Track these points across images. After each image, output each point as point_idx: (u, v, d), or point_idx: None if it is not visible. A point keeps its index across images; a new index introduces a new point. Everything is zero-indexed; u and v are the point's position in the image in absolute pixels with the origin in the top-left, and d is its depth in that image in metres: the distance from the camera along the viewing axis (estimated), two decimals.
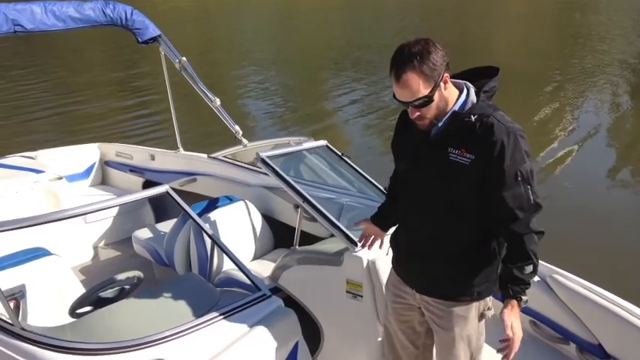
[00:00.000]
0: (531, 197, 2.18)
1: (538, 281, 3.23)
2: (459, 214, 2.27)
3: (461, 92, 2.27)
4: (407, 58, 2.12)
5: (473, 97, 2.25)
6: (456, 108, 2.24)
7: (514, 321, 2.21)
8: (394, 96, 2.21)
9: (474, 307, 2.42)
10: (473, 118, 2.18)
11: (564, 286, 3.11)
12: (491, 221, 2.26)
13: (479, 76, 2.33)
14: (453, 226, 2.30)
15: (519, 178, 2.15)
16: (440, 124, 2.26)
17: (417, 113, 2.20)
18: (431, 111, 2.20)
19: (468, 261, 2.34)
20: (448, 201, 2.27)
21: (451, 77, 2.24)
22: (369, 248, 2.87)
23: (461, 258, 2.33)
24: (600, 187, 8.22)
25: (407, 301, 2.56)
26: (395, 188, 2.66)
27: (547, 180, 8.19)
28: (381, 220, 2.79)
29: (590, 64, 17.37)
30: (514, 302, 2.22)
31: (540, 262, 3.25)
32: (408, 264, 2.47)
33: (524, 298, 2.23)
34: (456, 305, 2.40)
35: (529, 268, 2.21)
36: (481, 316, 2.46)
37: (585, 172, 8.82)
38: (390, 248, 2.65)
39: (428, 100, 2.16)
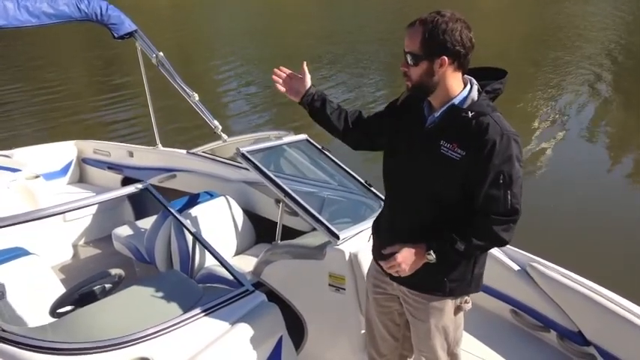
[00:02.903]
0: (509, 202, 2.17)
1: (518, 270, 3.27)
2: (440, 207, 2.28)
3: (465, 87, 2.27)
4: (428, 17, 2.18)
5: (474, 94, 2.25)
6: (456, 102, 2.25)
7: (407, 253, 2.28)
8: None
9: (449, 301, 2.42)
10: (470, 115, 2.19)
11: (544, 274, 3.15)
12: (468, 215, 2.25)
13: (487, 76, 2.35)
14: (431, 217, 2.30)
15: (501, 181, 2.15)
16: (436, 115, 2.29)
17: (403, 67, 2.25)
18: (414, 75, 2.22)
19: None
20: (430, 193, 2.28)
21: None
22: (283, 86, 2.76)
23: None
24: (585, 180, 8.29)
25: (386, 291, 2.58)
26: (363, 120, 2.67)
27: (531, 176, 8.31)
28: (318, 97, 2.71)
29: (571, 57, 17.55)
30: (424, 247, 2.27)
31: (519, 251, 3.33)
32: (388, 255, 2.43)
33: (431, 256, 2.26)
34: (432, 298, 2.41)
35: (460, 246, 2.21)
36: (457, 309, 2.46)
37: (572, 166, 8.92)
38: (372, 235, 2.67)
39: (414, 59, 2.19)
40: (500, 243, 2.26)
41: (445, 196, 2.26)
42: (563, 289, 3.08)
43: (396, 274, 2.33)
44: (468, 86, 2.27)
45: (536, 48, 19.05)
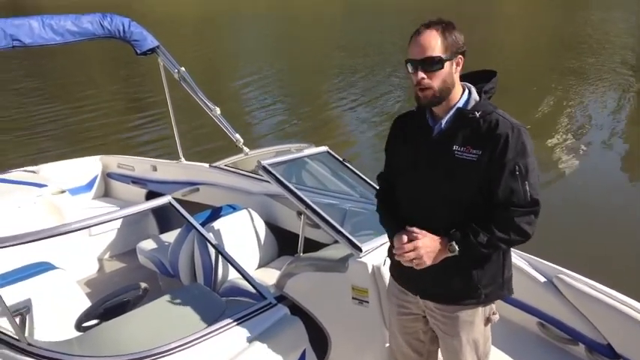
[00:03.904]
0: (528, 193, 2.18)
1: (544, 282, 3.22)
2: (466, 213, 2.25)
3: (464, 91, 2.31)
4: (433, 21, 2.21)
5: (475, 96, 2.30)
6: (460, 105, 2.28)
7: (429, 240, 2.22)
8: (407, 62, 2.23)
9: (480, 312, 2.39)
10: (477, 114, 2.23)
11: (571, 286, 3.10)
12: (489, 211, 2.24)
13: (477, 79, 2.37)
14: (459, 225, 2.27)
15: (517, 172, 2.17)
16: (443, 122, 2.29)
17: (424, 77, 2.19)
18: (437, 81, 2.20)
19: (475, 262, 2.31)
20: (455, 200, 2.26)
21: None
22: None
23: (467, 259, 2.28)
24: (606, 185, 8.19)
25: (411, 311, 2.53)
26: (389, 191, 2.59)
27: (553, 180, 8.21)
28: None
29: (593, 63, 17.36)
30: (445, 240, 2.23)
31: (545, 262, 3.28)
32: (411, 270, 2.35)
33: (454, 248, 2.21)
34: (462, 310, 2.37)
35: (483, 238, 2.19)
36: (487, 320, 2.43)
37: (594, 171, 8.82)
38: (388, 257, 2.63)
39: (439, 62, 2.17)
40: (523, 235, 2.22)
41: (467, 200, 2.25)
42: (591, 301, 3.02)
43: (414, 264, 2.24)
44: (466, 89, 2.31)
45: (559, 54, 18.88)
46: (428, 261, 2.23)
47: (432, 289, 2.38)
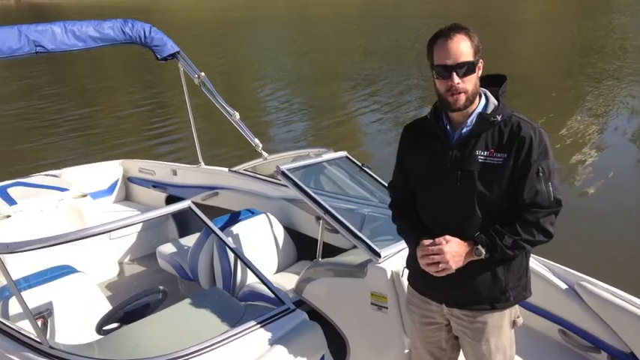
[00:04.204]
0: (551, 194, 2.21)
1: (566, 289, 3.18)
2: (491, 216, 2.25)
3: (481, 96, 2.31)
4: (458, 26, 2.22)
5: (493, 100, 2.31)
6: (480, 109, 2.29)
7: (455, 244, 2.21)
8: (434, 66, 2.22)
9: (507, 315, 2.38)
10: (499, 118, 2.24)
11: (593, 293, 3.05)
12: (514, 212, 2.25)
13: (485, 83, 2.36)
14: (485, 228, 2.26)
15: (541, 174, 2.19)
16: (465, 128, 2.28)
17: (459, 81, 2.19)
18: (469, 85, 2.21)
19: (501, 264, 2.30)
20: (482, 205, 2.25)
21: None
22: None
23: (494, 261, 2.28)
24: (629, 191, 8.08)
25: (434, 320, 2.51)
26: (406, 200, 2.55)
27: (574, 185, 8.12)
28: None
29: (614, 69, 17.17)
30: (471, 244, 2.23)
31: (567, 269, 3.24)
32: (436, 278, 2.32)
33: (480, 251, 2.21)
34: (490, 315, 2.36)
35: (508, 240, 2.20)
36: (513, 323, 2.43)
37: (616, 175, 8.70)
38: (406, 268, 2.61)
39: (472, 67, 2.19)
40: (548, 235, 2.24)
41: (494, 204, 2.24)
42: (613, 309, 2.97)
43: (439, 270, 2.23)
44: (483, 95, 2.32)
45: (582, 59, 18.69)
46: (454, 266, 2.22)
47: (459, 296, 2.36)
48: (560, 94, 13.96)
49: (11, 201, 4.72)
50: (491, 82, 2.37)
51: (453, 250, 2.21)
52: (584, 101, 13.40)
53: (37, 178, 5.40)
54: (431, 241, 2.25)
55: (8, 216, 4.58)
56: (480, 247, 2.21)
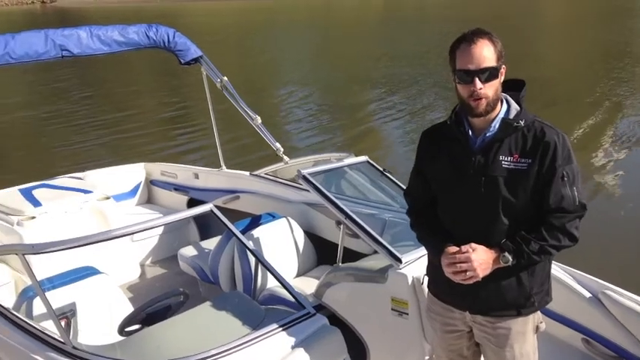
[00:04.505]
0: (576, 198, 2.21)
1: (589, 297, 3.14)
2: (515, 222, 2.24)
3: (501, 102, 2.30)
4: (481, 30, 2.22)
5: (515, 105, 2.30)
6: (502, 115, 2.28)
7: (482, 252, 2.20)
8: (456, 70, 2.22)
9: (531, 321, 2.37)
10: (522, 123, 2.24)
11: (617, 302, 3.01)
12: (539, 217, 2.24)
13: (508, 88, 2.35)
14: (509, 234, 2.25)
15: (566, 178, 2.19)
16: (488, 133, 2.27)
17: (482, 87, 2.18)
18: (492, 90, 2.21)
19: (525, 269, 2.29)
20: (506, 209, 2.23)
21: None
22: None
23: (519, 267, 2.26)
24: None
25: (456, 328, 2.49)
26: (426, 207, 2.52)
27: (597, 193, 8.01)
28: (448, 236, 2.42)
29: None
30: (497, 250, 2.21)
31: (591, 277, 3.20)
32: (459, 285, 2.29)
33: (507, 258, 2.20)
34: (513, 321, 2.34)
35: (534, 246, 2.19)
36: (536, 329, 2.42)
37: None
38: (426, 276, 2.60)
39: (495, 72, 2.19)
40: (573, 239, 2.24)
41: (520, 210, 2.23)
42: (637, 318, 2.92)
43: (465, 278, 2.21)
44: (503, 99, 2.31)
45: (606, 64, 18.45)
46: (481, 274, 2.20)
47: (484, 303, 2.34)
48: (589, 99, 13.78)
49: (36, 202, 4.80)
50: (511, 86, 2.36)
51: (480, 258, 2.20)
52: (614, 105, 13.21)
53: (61, 180, 5.48)
54: (457, 249, 2.24)
55: (33, 217, 4.66)
56: (506, 254, 2.20)
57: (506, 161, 2.22)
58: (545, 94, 13.04)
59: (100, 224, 4.84)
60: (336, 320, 3.12)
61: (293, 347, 2.71)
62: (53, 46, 4.42)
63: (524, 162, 2.20)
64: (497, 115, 2.27)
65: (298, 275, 4.21)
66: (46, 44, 4.39)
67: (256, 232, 4.07)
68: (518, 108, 2.29)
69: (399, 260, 2.97)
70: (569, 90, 14.65)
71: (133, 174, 5.97)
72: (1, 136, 12.54)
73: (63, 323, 3.02)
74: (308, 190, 3.59)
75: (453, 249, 2.24)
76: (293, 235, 4.24)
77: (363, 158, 4.06)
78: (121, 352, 2.71)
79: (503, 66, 2.23)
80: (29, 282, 3.36)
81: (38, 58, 4.41)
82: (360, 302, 3.15)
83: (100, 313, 3.31)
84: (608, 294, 3.06)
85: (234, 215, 4.55)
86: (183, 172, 5.78)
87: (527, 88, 2.39)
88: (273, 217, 4.30)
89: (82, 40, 4.57)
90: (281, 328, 2.80)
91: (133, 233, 3.57)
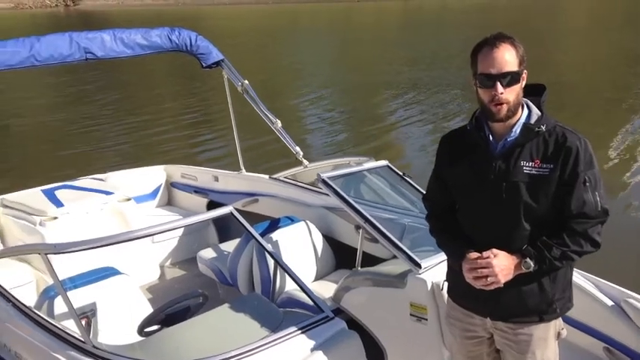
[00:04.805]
0: (599, 203, 2.20)
1: (612, 306, 3.10)
2: (537, 227, 2.23)
3: (522, 107, 2.29)
4: (503, 35, 2.21)
5: (536, 110, 2.29)
6: (523, 120, 2.27)
7: (503, 258, 2.18)
8: (477, 74, 2.21)
9: (552, 327, 2.36)
10: (543, 128, 2.23)
11: None
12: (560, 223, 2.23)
13: (528, 93, 2.34)
14: (531, 240, 2.23)
15: (588, 184, 2.18)
16: (509, 138, 2.26)
17: (503, 91, 2.17)
18: (513, 95, 2.20)
19: (547, 275, 2.27)
20: (527, 215, 2.22)
21: None
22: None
23: (540, 273, 2.25)
24: None
25: (476, 334, 2.47)
26: (445, 212, 2.52)
27: (619, 198, 7.91)
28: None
29: None
30: (519, 256, 2.20)
31: (613, 285, 3.15)
32: (480, 291, 2.28)
33: (528, 264, 2.18)
34: (535, 327, 2.33)
35: (556, 252, 2.18)
36: (558, 335, 2.40)
37: None
38: (446, 282, 2.58)
39: (517, 77, 2.19)
40: (596, 245, 2.23)
41: (541, 215, 2.22)
42: None
43: (487, 284, 2.20)
44: (525, 105, 2.30)
45: (629, 69, 18.22)
46: (503, 280, 2.19)
47: (506, 309, 2.33)
48: (610, 105, 13.62)
49: (58, 203, 4.86)
50: (531, 91, 2.35)
51: (502, 264, 2.18)
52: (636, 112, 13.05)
53: (83, 182, 5.54)
54: (478, 254, 2.22)
55: (55, 217, 4.71)
56: (528, 259, 2.19)
57: (527, 167, 2.21)
58: (556, 98, 12.91)
59: (120, 225, 4.88)
60: (354, 324, 3.11)
61: (311, 350, 2.71)
62: (77, 48, 4.47)
63: (545, 167, 2.19)
64: (519, 120, 2.26)
65: (316, 279, 4.21)
66: (71, 47, 4.45)
67: (275, 235, 4.08)
68: (540, 113, 2.28)
69: (419, 265, 2.96)
70: (586, 95, 14.47)
71: (153, 176, 6.02)
72: (27, 137, 12.72)
73: (83, 323, 3.05)
74: (327, 194, 3.60)
75: (475, 254, 2.23)
76: (312, 239, 4.25)
77: (383, 162, 4.05)
78: (141, 352, 2.73)
79: (525, 71, 2.23)
80: (51, 281, 3.40)
81: (63, 61, 4.47)
82: (378, 307, 3.14)
83: (120, 313, 3.34)
84: (630, 302, 3.02)
85: (253, 218, 4.56)
86: (203, 175, 5.82)
87: (549, 92, 2.37)
88: (292, 220, 4.31)
89: (105, 43, 4.62)
90: (299, 331, 2.81)
91: (153, 234, 3.60)
